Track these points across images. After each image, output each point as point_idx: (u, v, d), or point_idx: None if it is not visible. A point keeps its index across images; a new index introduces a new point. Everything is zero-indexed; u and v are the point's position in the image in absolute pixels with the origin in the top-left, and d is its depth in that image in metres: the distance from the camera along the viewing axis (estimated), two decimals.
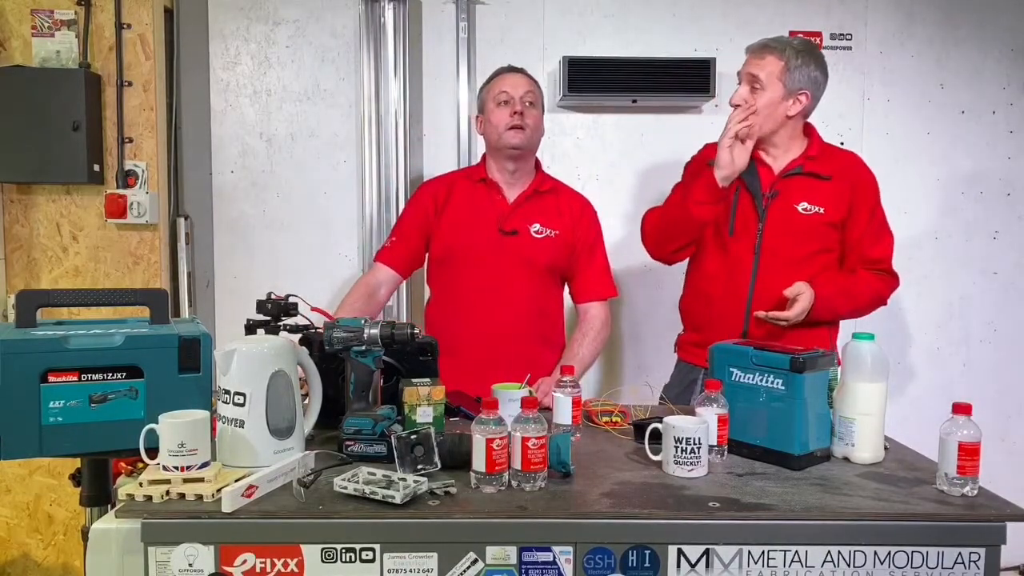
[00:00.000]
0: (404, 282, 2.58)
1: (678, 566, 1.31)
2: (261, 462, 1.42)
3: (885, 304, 2.22)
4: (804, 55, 2.11)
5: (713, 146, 2.17)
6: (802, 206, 2.13)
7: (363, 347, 1.58)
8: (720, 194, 2.08)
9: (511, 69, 2.32)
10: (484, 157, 2.38)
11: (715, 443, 1.55)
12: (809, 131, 2.22)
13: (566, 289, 2.41)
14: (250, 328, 1.83)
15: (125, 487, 1.34)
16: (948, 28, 3.11)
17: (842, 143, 3.12)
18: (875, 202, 2.18)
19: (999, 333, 3.22)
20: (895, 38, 3.11)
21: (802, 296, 2.03)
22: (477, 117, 2.39)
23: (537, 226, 2.27)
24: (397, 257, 2.36)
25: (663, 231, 2.23)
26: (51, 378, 1.41)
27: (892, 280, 2.20)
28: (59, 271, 2.85)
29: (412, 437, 1.45)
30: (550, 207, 2.31)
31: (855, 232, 2.15)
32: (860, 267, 2.16)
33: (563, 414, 1.70)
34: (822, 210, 2.12)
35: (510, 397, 1.67)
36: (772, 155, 2.17)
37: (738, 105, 2.09)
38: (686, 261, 2.33)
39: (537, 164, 2.38)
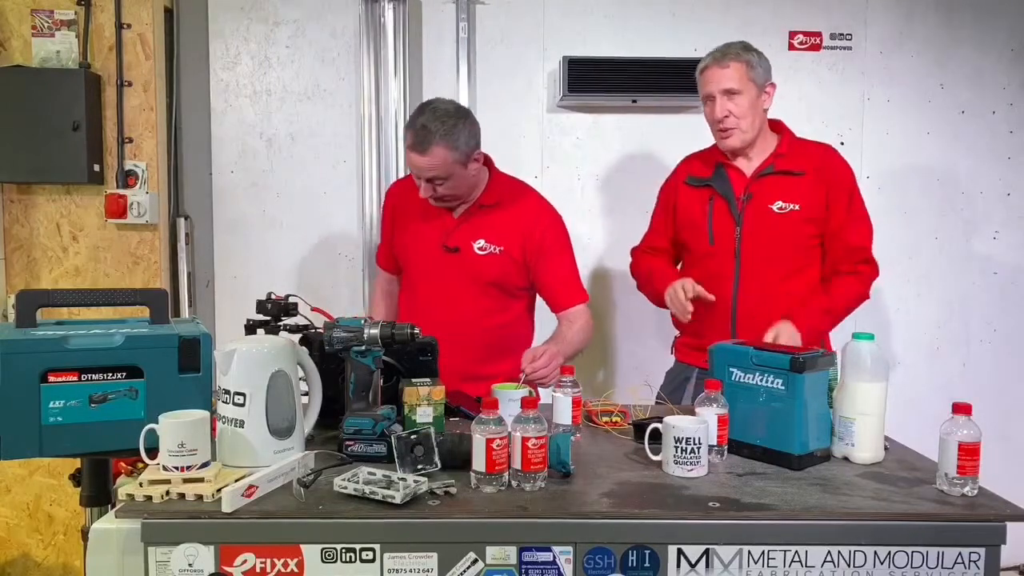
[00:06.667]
0: None
1: (678, 566, 1.31)
2: (261, 462, 1.42)
3: (868, 298, 2.21)
4: (753, 52, 2.15)
5: (689, 160, 2.21)
6: (777, 205, 2.13)
7: (363, 347, 1.58)
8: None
9: (414, 142, 2.01)
10: None
11: (715, 443, 1.55)
12: (779, 128, 2.24)
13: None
14: (250, 328, 1.83)
15: (125, 487, 1.34)
16: (948, 28, 3.11)
17: (842, 143, 3.12)
18: (852, 191, 2.17)
19: (999, 333, 3.22)
20: (895, 38, 3.11)
21: (780, 336, 1.97)
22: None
23: (481, 242, 2.17)
24: (385, 258, 2.41)
25: (643, 289, 2.33)
26: (51, 378, 1.41)
27: (871, 271, 2.18)
28: (59, 271, 2.85)
29: (412, 437, 1.45)
30: (497, 222, 2.19)
31: (834, 223, 2.14)
32: (841, 259, 2.15)
33: (563, 414, 1.70)
34: (798, 207, 2.12)
35: (510, 397, 1.66)
36: (748, 156, 2.19)
37: (726, 117, 2.11)
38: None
39: (489, 164, 2.23)
